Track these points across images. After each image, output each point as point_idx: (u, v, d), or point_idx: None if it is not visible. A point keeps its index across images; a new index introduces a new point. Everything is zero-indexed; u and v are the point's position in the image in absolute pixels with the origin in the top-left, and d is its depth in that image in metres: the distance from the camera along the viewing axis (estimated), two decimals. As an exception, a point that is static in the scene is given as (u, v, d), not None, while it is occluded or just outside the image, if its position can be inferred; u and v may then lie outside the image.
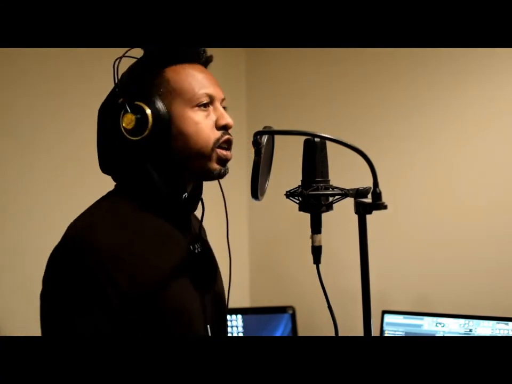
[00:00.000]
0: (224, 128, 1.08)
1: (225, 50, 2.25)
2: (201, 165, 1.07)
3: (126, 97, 1.03)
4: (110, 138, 1.07)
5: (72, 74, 1.87)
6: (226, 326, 1.22)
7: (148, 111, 1.02)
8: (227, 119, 1.08)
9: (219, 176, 1.09)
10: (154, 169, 1.05)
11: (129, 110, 1.02)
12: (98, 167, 1.12)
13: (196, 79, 1.07)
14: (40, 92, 1.80)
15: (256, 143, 0.94)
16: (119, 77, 1.06)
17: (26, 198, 1.76)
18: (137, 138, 1.02)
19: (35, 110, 1.79)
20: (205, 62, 1.12)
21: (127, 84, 1.06)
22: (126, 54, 1.06)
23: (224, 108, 1.10)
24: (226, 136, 1.08)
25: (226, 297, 1.20)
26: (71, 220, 1.03)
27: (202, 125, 1.06)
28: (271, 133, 0.98)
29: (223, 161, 1.08)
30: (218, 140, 1.07)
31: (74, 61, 1.85)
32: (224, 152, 1.08)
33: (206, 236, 1.26)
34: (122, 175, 1.10)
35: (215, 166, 1.07)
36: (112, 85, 1.06)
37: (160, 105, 1.03)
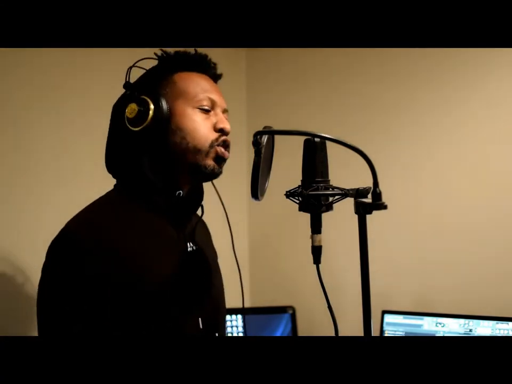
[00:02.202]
0: (222, 131, 1.13)
1: (225, 50, 2.25)
2: (196, 160, 1.11)
3: (133, 90, 1.10)
4: (116, 131, 1.13)
5: (70, 69, 1.87)
6: (222, 322, 1.25)
7: (150, 104, 1.08)
8: (225, 123, 1.13)
9: (212, 173, 1.12)
10: (150, 163, 1.11)
11: (133, 101, 1.08)
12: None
13: (200, 85, 1.13)
14: (37, 85, 1.79)
15: (256, 143, 0.94)
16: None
17: (25, 196, 1.76)
18: (137, 128, 1.07)
19: (31, 104, 1.79)
20: (214, 76, 1.18)
21: (137, 81, 1.14)
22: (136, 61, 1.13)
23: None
24: (224, 137, 1.13)
25: (223, 295, 1.25)
26: (63, 217, 1.07)
27: (200, 124, 1.11)
28: (271, 133, 0.98)
29: (220, 159, 1.12)
30: (216, 139, 1.12)
31: (72, 56, 1.85)
32: (222, 149, 1.12)
33: (207, 236, 1.28)
34: (120, 170, 1.15)
35: (210, 162, 1.11)
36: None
37: (162, 100, 1.09)
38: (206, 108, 1.13)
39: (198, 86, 1.13)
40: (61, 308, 0.97)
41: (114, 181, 1.19)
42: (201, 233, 1.26)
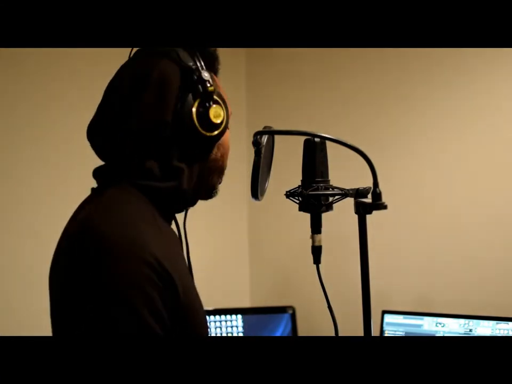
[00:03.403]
0: None
1: (225, 50, 2.25)
2: (214, 182, 1.03)
3: (214, 87, 0.91)
4: (157, 119, 0.92)
5: (68, 70, 1.87)
6: None
7: (225, 108, 0.94)
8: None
9: (213, 197, 1.06)
10: (192, 173, 0.96)
11: (219, 102, 0.92)
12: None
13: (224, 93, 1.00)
14: (36, 88, 1.80)
15: (256, 143, 0.94)
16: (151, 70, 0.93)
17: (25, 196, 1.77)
18: (211, 133, 0.93)
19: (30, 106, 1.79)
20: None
21: (202, 66, 0.93)
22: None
23: None
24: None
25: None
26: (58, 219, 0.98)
27: (229, 144, 1.03)
28: (271, 133, 0.98)
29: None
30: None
31: (71, 58, 1.85)
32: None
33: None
34: (143, 164, 0.93)
35: (218, 188, 1.06)
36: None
37: (227, 106, 0.95)
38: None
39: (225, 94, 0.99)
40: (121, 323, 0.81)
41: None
42: None
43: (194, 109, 0.91)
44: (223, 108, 0.94)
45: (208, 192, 1.04)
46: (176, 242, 1.00)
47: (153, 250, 0.84)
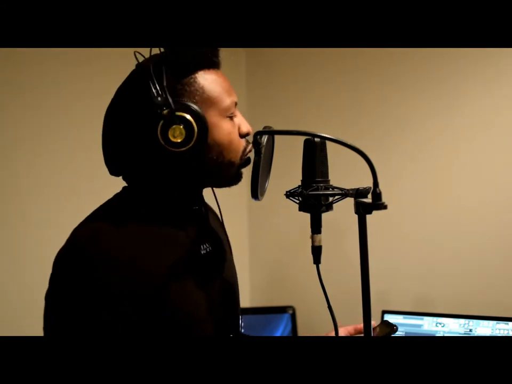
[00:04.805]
0: (247, 135, 1.08)
1: (225, 50, 2.24)
2: (229, 173, 1.06)
3: (169, 108, 0.95)
4: (139, 145, 1.01)
5: (72, 74, 1.87)
6: (238, 323, 1.19)
7: (193, 124, 0.97)
8: (248, 127, 1.08)
9: (239, 181, 1.09)
10: (181, 180, 1.04)
11: (177, 122, 0.96)
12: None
13: (222, 87, 1.03)
14: (39, 90, 1.80)
15: (256, 143, 0.95)
16: (130, 83, 1.03)
17: (27, 197, 1.76)
18: (180, 149, 0.97)
19: (40, 108, 1.79)
20: (220, 66, 1.08)
21: (158, 90, 0.97)
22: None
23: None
24: (250, 146, 1.07)
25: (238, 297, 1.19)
26: (66, 221, 1.03)
27: (233, 135, 1.05)
28: (271, 133, 0.98)
29: (245, 165, 1.08)
30: (245, 149, 1.07)
31: (71, 60, 1.85)
32: (247, 159, 1.08)
33: (218, 222, 1.25)
34: (139, 180, 1.06)
35: (240, 172, 1.08)
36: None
37: (201, 115, 0.98)
38: (233, 114, 1.05)
39: (221, 88, 1.03)
40: (74, 326, 0.90)
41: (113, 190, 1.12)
42: (214, 224, 1.20)
43: (158, 130, 0.97)
44: (189, 120, 0.96)
45: (227, 183, 1.09)
46: (171, 247, 1.02)
47: (125, 257, 0.93)
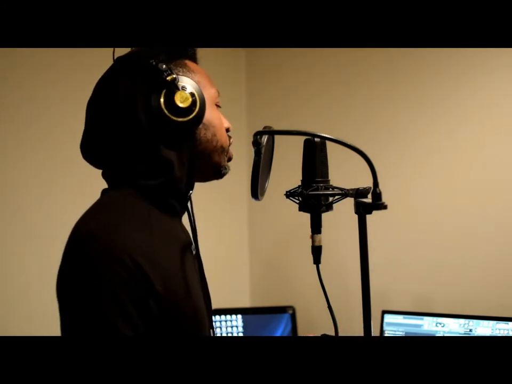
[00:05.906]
0: (228, 130, 1.10)
1: (225, 50, 2.25)
2: (220, 160, 1.07)
3: (174, 75, 0.96)
4: (135, 122, 0.97)
5: (77, 73, 1.87)
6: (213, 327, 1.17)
7: (195, 92, 0.98)
8: (228, 123, 1.10)
9: (225, 174, 1.10)
10: (179, 161, 1.00)
11: (180, 88, 0.96)
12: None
13: (208, 78, 1.07)
14: (38, 90, 1.80)
15: (256, 143, 0.94)
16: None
17: (28, 197, 1.77)
18: (183, 119, 0.97)
19: (38, 108, 1.79)
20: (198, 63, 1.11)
21: (157, 65, 0.97)
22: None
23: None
24: (232, 139, 1.10)
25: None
26: (64, 220, 1.01)
27: (222, 122, 1.08)
28: (271, 133, 0.98)
29: (229, 160, 1.10)
30: (228, 139, 1.09)
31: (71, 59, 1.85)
32: (231, 152, 1.10)
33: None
34: (133, 166, 1.00)
35: (227, 164, 1.09)
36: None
37: (199, 88, 0.99)
38: (218, 105, 1.07)
39: (206, 76, 1.06)
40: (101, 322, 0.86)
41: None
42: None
43: (162, 100, 0.96)
44: (192, 91, 0.97)
45: (216, 172, 1.08)
46: (174, 238, 1.01)
47: (128, 247, 0.89)
